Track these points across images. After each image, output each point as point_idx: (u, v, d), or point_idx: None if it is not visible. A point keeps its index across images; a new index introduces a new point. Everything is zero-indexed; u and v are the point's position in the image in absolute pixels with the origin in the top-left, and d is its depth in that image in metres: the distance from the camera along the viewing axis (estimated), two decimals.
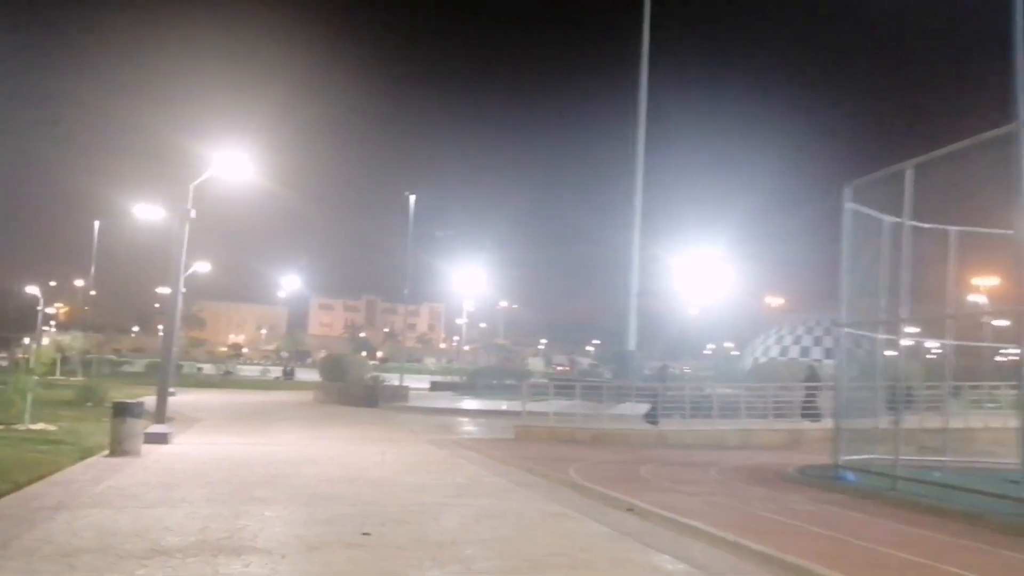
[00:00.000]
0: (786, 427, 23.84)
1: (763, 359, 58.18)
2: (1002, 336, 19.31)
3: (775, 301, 77.40)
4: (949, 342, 17.08)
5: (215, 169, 19.26)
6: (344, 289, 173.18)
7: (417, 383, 48.44)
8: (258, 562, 7.48)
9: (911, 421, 15.73)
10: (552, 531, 9.52)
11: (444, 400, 40.94)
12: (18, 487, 10.95)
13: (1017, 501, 10.96)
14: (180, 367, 51.85)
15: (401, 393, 38.53)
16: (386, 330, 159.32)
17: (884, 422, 14.74)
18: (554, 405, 25.73)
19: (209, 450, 16.94)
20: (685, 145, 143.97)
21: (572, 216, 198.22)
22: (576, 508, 11.20)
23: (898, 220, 14.46)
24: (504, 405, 33.31)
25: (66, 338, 63.13)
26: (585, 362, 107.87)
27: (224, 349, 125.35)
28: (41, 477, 11.94)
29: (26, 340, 68.02)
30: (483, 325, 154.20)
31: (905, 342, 15.93)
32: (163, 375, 18.88)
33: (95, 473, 12.80)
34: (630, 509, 11.13)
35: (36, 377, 20.78)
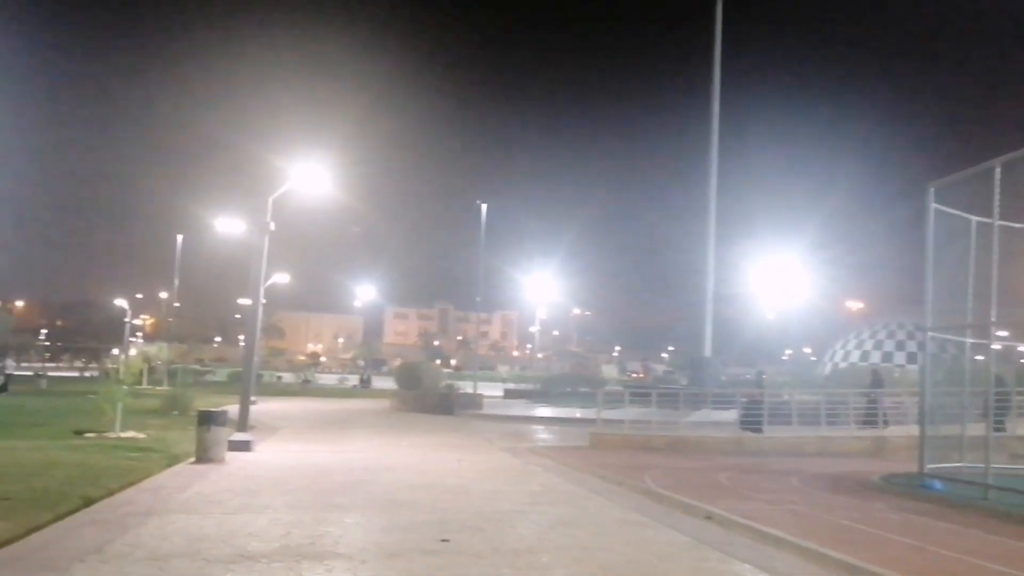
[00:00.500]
0: (867, 434, 23.22)
1: (843, 364, 56.70)
2: None
3: (855, 305, 75.36)
4: None
5: (293, 182, 19.69)
6: (418, 298, 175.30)
7: (491, 391, 48.65)
8: (340, 568, 7.62)
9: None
10: (629, 539, 9.45)
11: (518, 408, 40.99)
12: (111, 493, 11.39)
13: None
14: (260, 376, 53.13)
15: (475, 401, 38.74)
16: (459, 338, 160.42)
17: (973, 429, 14.23)
18: (629, 412, 25.55)
19: (290, 457, 17.35)
20: (761, 148, 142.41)
21: (646, 222, 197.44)
22: (653, 516, 11.11)
23: (987, 220, 13.94)
24: (578, 412, 33.15)
25: (152, 349, 65.17)
26: (660, 369, 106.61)
27: (302, 358, 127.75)
28: (132, 484, 12.39)
29: (114, 351, 70.58)
30: (556, 333, 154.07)
31: (995, 346, 15.34)
32: (245, 384, 19.36)
33: (182, 480, 13.23)
34: (708, 517, 10.98)
35: (125, 387, 21.55)
